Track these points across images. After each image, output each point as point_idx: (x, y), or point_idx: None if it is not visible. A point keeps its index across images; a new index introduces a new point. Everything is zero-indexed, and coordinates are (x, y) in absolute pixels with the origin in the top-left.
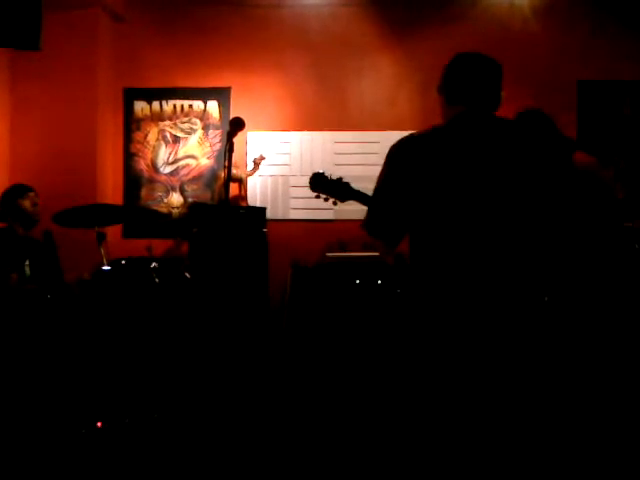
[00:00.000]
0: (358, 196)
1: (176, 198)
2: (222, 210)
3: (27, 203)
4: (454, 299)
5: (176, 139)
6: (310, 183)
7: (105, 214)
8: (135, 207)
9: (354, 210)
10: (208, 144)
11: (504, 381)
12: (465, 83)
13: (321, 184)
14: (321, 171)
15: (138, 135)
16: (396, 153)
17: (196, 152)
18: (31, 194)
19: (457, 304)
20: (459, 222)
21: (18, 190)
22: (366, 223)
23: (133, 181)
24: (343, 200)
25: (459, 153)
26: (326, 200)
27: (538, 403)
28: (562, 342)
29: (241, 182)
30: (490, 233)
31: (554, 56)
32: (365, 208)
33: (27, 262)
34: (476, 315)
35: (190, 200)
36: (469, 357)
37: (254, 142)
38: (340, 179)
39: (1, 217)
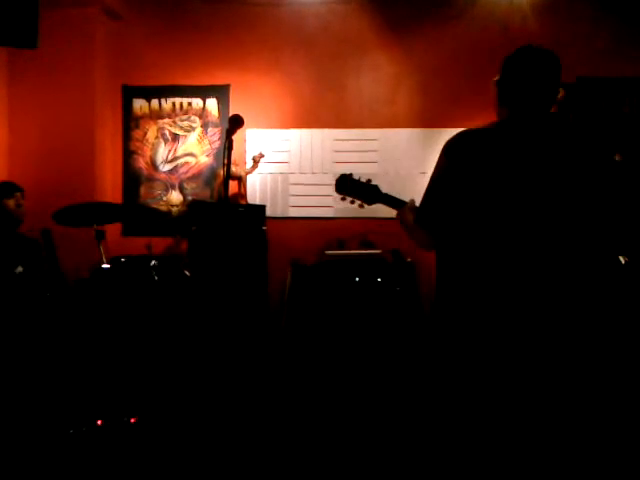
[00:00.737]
0: (388, 200)
1: (175, 196)
2: (221, 208)
3: (11, 203)
4: (510, 300)
5: (175, 137)
6: (336, 185)
7: (104, 212)
8: (134, 205)
9: (353, 208)
10: (207, 142)
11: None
12: (524, 84)
13: (347, 186)
14: (348, 172)
15: (137, 133)
16: (455, 146)
17: (195, 150)
18: (17, 194)
19: (513, 304)
20: (512, 222)
21: (5, 189)
22: (419, 215)
23: (132, 179)
24: (370, 203)
25: (516, 154)
26: (352, 203)
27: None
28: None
29: (240, 180)
30: (545, 237)
31: (554, 52)
32: (393, 211)
33: (19, 263)
34: (532, 321)
35: (189, 198)
36: (519, 363)
37: (253, 140)
38: (369, 181)
39: None
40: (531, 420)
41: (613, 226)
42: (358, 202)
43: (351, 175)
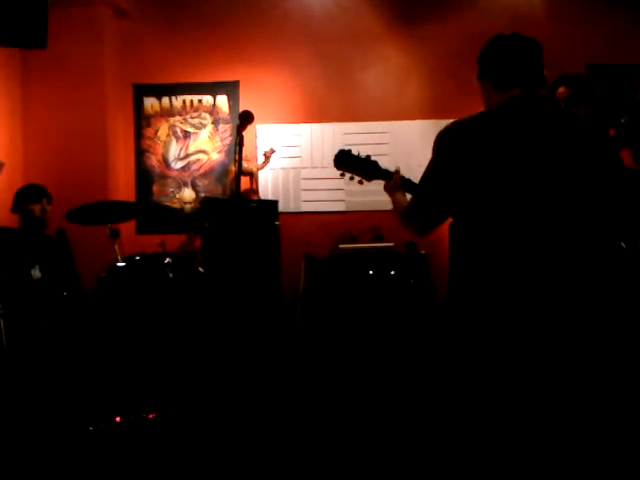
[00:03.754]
0: (388, 176)
1: (188, 193)
2: (234, 204)
3: (37, 208)
4: (519, 291)
5: (186, 134)
6: (334, 161)
7: (118, 211)
8: (148, 203)
9: (365, 201)
10: (218, 138)
11: (578, 380)
12: (513, 66)
13: (347, 162)
14: (347, 148)
15: (149, 131)
16: (447, 139)
17: (207, 147)
18: (44, 199)
19: (523, 296)
20: (519, 209)
21: (32, 193)
22: (408, 211)
23: (145, 177)
24: (370, 179)
25: (517, 138)
26: (351, 179)
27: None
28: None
29: (252, 176)
30: (553, 221)
31: (563, 40)
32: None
33: (37, 264)
34: (544, 312)
35: (202, 195)
36: (537, 356)
37: (264, 135)
38: (368, 157)
39: (15, 212)
40: (548, 412)
41: (617, 210)
42: (358, 178)
43: (350, 151)
